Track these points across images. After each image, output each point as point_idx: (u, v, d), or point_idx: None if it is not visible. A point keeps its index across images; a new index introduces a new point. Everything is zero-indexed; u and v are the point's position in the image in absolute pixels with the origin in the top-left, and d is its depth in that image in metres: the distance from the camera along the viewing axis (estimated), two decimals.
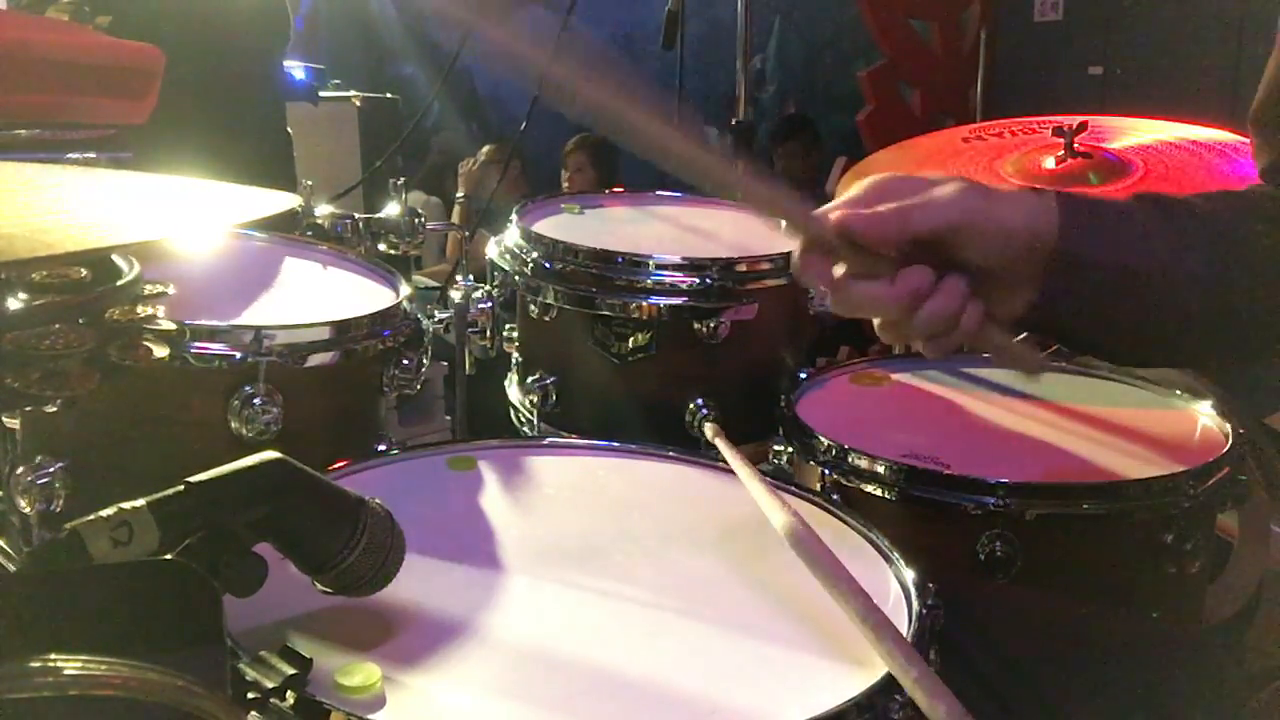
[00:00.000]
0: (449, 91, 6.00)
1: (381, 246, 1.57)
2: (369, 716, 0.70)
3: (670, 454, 1.18)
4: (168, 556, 0.67)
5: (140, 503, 0.68)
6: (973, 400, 1.43)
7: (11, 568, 1.16)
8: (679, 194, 1.86)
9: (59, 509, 1.10)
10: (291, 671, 0.71)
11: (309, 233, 1.53)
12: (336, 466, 1.07)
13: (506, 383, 1.65)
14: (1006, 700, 0.91)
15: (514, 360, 1.62)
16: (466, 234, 1.93)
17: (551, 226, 1.60)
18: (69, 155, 1.56)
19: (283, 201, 0.76)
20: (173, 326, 0.79)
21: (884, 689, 0.74)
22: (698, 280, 1.41)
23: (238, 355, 1.12)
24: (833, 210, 0.77)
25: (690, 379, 1.45)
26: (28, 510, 1.10)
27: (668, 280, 1.42)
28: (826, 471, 1.25)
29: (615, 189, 1.99)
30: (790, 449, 1.33)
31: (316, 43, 5.98)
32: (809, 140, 5.17)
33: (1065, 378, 1.49)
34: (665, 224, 1.75)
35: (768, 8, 6.54)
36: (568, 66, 0.72)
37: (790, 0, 6.69)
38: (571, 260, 1.46)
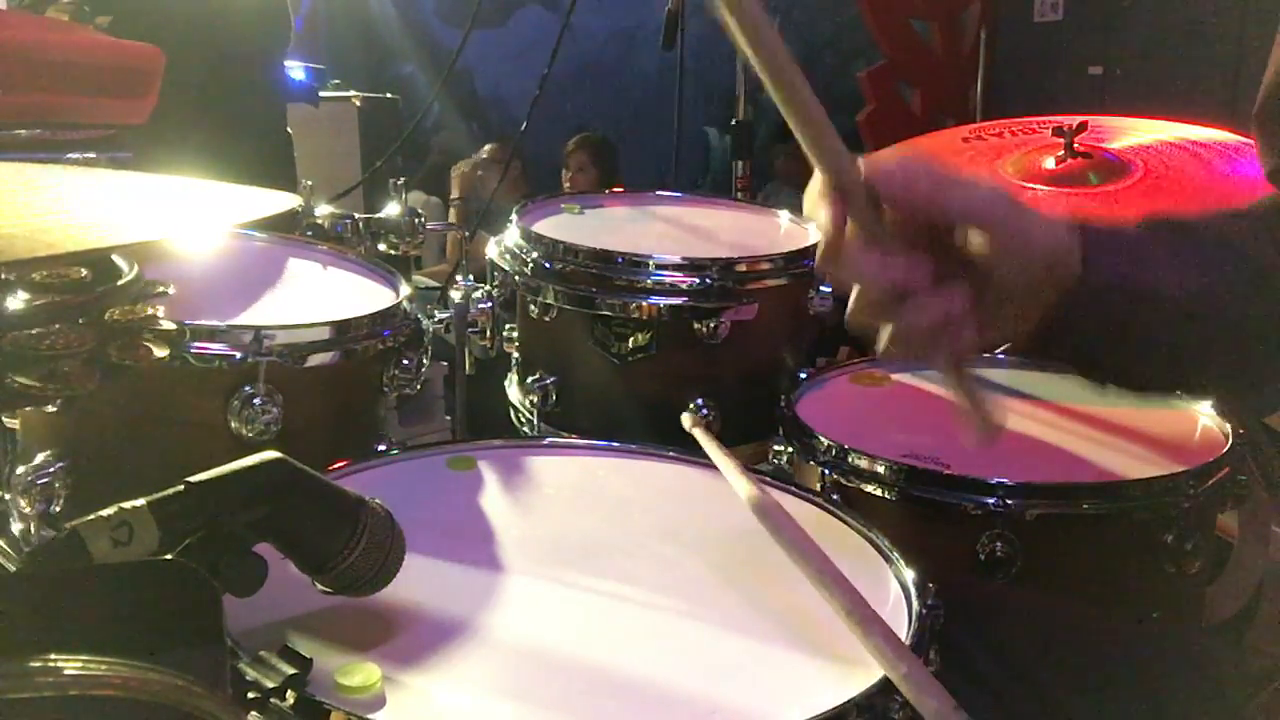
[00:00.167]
0: (449, 91, 5.99)
1: (381, 246, 1.58)
2: (369, 716, 0.70)
3: (670, 454, 1.18)
4: (168, 556, 0.67)
5: (140, 503, 0.68)
6: None
7: (11, 568, 1.16)
8: (679, 194, 1.86)
9: (59, 509, 1.10)
10: (291, 671, 0.71)
11: (309, 233, 1.53)
12: (336, 466, 1.07)
13: (506, 383, 1.65)
14: (1006, 700, 0.91)
15: (514, 360, 1.62)
16: (466, 234, 1.93)
17: (551, 226, 1.61)
18: (69, 155, 1.56)
19: (283, 201, 0.76)
20: (173, 326, 0.79)
21: (883, 689, 0.74)
22: (698, 280, 1.41)
23: (238, 355, 1.12)
24: (868, 161, 0.73)
25: (690, 379, 1.45)
26: (28, 510, 1.10)
27: (668, 280, 1.42)
28: (826, 471, 1.24)
29: (615, 189, 1.99)
30: (790, 449, 1.33)
31: (316, 43, 5.98)
32: None
33: (1065, 378, 1.49)
34: (665, 224, 1.75)
35: (768, 8, 6.52)
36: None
37: (790, 0, 6.68)
38: (571, 260, 1.46)
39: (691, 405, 1.43)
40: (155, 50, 1.61)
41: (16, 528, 1.13)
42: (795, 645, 0.83)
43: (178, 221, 0.73)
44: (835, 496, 1.14)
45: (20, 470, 1.10)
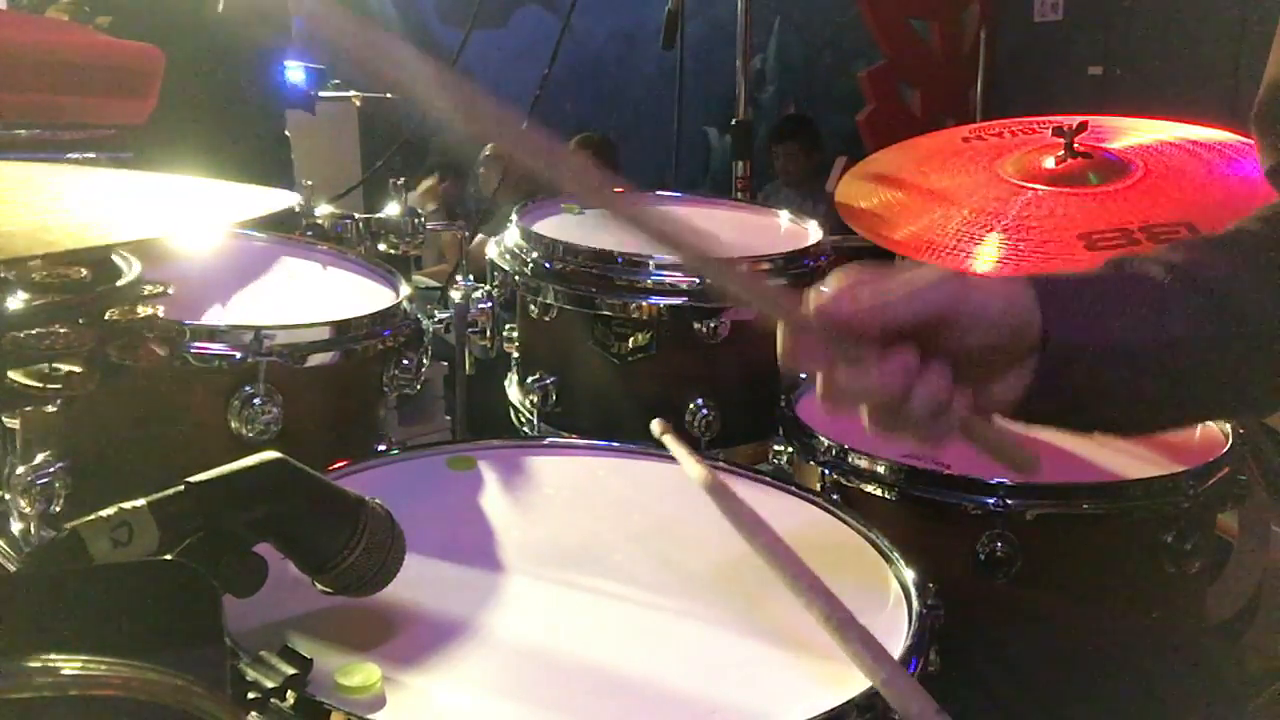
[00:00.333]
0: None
1: (381, 246, 1.57)
2: (369, 716, 0.70)
3: (670, 454, 1.18)
4: (168, 556, 0.67)
5: (140, 503, 0.68)
6: None
7: (11, 568, 1.16)
8: (679, 194, 1.86)
9: (59, 509, 1.10)
10: (291, 671, 0.71)
11: (309, 233, 1.53)
12: (336, 466, 1.07)
13: (506, 383, 1.65)
14: (1005, 700, 0.91)
15: (514, 360, 1.62)
16: (466, 234, 1.93)
17: (551, 226, 1.60)
18: (69, 155, 1.56)
19: (282, 200, 0.76)
20: (173, 326, 0.79)
21: None
22: (698, 280, 1.41)
23: (238, 355, 1.12)
24: (813, 303, 0.76)
25: (690, 379, 1.45)
26: (28, 510, 1.10)
27: (668, 280, 1.42)
28: (827, 471, 1.25)
29: (615, 189, 1.98)
30: (790, 449, 1.33)
31: (317, 43, 5.97)
32: (809, 140, 5.16)
33: None
34: None
35: (767, 8, 6.53)
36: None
37: (790, 0, 6.68)
38: (571, 260, 1.46)
39: (692, 405, 1.43)
40: (155, 50, 1.60)
41: (16, 528, 1.13)
42: (795, 645, 0.83)
43: (177, 221, 0.73)
44: (835, 496, 1.14)
45: (20, 470, 1.10)
